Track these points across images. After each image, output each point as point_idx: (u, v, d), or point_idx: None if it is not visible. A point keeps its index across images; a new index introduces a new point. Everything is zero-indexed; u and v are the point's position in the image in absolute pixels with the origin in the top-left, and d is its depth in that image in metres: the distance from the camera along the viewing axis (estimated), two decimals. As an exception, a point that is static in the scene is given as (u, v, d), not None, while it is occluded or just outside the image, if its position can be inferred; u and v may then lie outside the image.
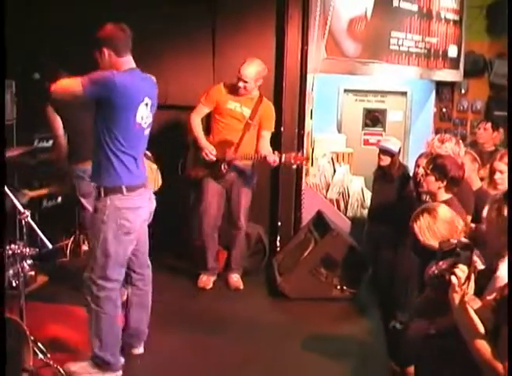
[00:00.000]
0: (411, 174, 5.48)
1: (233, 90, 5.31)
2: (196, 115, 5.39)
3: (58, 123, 5.12)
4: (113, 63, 3.60)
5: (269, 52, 6.06)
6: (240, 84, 5.23)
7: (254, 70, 5.22)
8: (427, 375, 3.45)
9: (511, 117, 5.67)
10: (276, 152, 5.26)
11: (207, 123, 5.60)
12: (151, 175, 5.00)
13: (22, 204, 3.80)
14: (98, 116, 3.63)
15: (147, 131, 3.78)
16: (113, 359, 3.85)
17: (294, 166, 5.50)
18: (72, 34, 5.82)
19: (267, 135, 5.44)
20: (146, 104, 3.68)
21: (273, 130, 5.51)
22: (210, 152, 5.28)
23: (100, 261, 3.70)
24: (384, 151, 5.68)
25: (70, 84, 3.58)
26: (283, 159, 5.16)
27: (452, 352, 3.01)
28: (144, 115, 3.67)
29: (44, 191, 5.82)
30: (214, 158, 5.30)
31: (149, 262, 4.10)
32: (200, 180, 5.46)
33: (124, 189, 3.64)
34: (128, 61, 3.67)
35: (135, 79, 3.63)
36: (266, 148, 5.35)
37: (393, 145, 5.70)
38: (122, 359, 3.93)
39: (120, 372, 3.90)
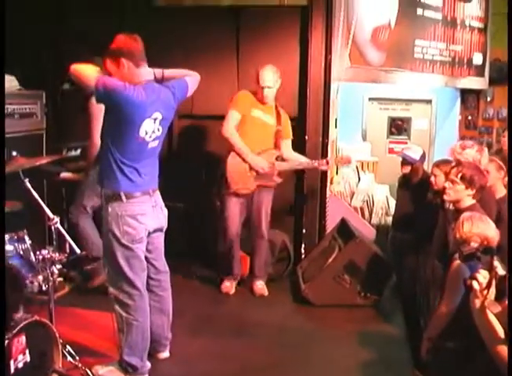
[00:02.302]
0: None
1: (256, 99, 5.35)
2: (230, 124, 5.27)
3: (97, 128, 5.07)
4: (132, 75, 3.58)
5: (293, 61, 6.11)
6: (266, 91, 5.28)
7: (271, 74, 5.27)
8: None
9: (511, 117, 5.66)
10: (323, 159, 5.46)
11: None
12: None
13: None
14: (105, 121, 3.70)
15: (154, 144, 3.74)
16: (140, 363, 3.90)
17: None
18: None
19: (289, 143, 5.54)
20: (155, 119, 3.66)
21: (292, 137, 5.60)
22: (264, 168, 5.30)
23: (120, 268, 3.75)
24: (405, 159, 5.72)
25: (86, 75, 3.52)
26: (331, 162, 5.42)
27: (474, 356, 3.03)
28: (149, 129, 3.64)
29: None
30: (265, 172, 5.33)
31: (166, 268, 4.11)
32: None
33: (123, 197, 3.67)
34: (145, 72, 3.67)
35: (147, 93, 3.59)
36: (296, 155, 5.50)
37: (413, 153, 5.73)
38: (149, 364, 3.98)
39: (147, 376, 3.96)
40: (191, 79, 3.94)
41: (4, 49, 3.95)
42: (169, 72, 3.79)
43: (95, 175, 4.94)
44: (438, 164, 5.16)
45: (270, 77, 5.27)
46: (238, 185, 5.33)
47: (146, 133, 3.65)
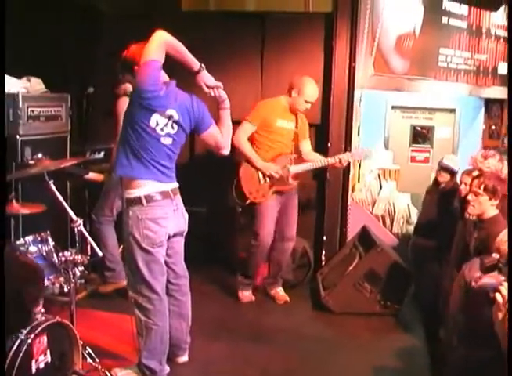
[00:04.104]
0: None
1: (281, 107, 5.33)
2: (242, 134, 5.24)
3: None
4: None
5: (317, 68, 6.11)
6: (308, 106, 5.30)
7: (315, 89, 5.31)
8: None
9: (511, 118, 5.62)
10: (340, 155, 5.41)
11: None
12: None
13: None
14: (127, 112, 3.72)
15: (167, 141, 3.72)
16: (159, 367, 3.91)
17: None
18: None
19: (308, 143, 5.56)
20: (168, 116, 3.67)
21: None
22: (276, 172, 5.28)
23: (140, 272, 3.76)
24: (445, 169, 5.74)
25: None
26: (351, 159, 5.46)
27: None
28: (160, 122, 3.64)
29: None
30: (279, 176, 5.31)
31: (186, 273, 4.11)
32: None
33: (144, 200, 3.67)
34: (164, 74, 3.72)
35: (167, 89, 3.66)
36: (316, 155, 5.51)
37: (454, 164, 5.79)
38: (167, 368, 3.99)
39: (166, 380, 3.97)
40: (221, 130, 3.93)
41: (4, 49, 3.98)
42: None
43: (118, 177, 5.00)
44: (468, 173, 5.15)
45: (316, 93, 5.32)
46: (253, 194, 5.32)
47: (157, 124, 3.64)
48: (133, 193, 3.70)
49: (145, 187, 3.69)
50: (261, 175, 5.31)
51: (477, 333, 3.37)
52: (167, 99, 3.66)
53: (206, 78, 3.72)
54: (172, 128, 3.72)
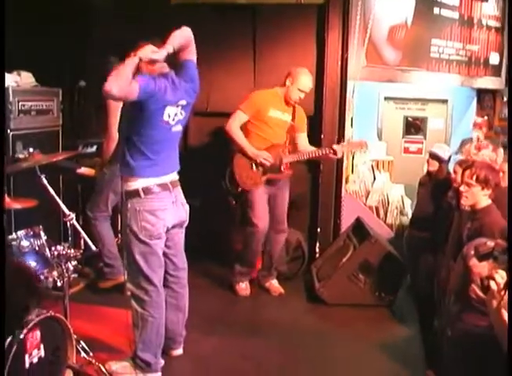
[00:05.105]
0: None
1: (275, 98, 5.34)
2: (235, 123, 5.30)
3: (115, 123, 4.83)
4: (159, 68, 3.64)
5: (310, 59, 6.10)
6: (301, 95, 5.31)
7: (309, 79, 5.35)
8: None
9: (511, 118, 5.63)
10: (334, 145, 5.41)
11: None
12: None
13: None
14: (128, 112, 3.72)
15: (177, 128, 3.78)
16: (154, 359, 3.91)
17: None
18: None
19: (305, 136, 5.57)
20: (179, 105, 3.71)
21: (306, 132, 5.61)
22: (266, 159, 5.29)
23: (137, 264, 3.76)
24: (433, 156, 5.74)
25: (127, 92, 3.40)
26: (345, 150, 5.45)
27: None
28: (172, 113, 3.68)
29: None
30: (269, 164, 5.31)
31: (185, 266, 4.12)
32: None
33: (142, 192, 3.68)
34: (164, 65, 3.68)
35: (171, 82, 3.65)
36: (312, 148, 5.50)
37: (443, 152, 5.76)
38: (162, 361, 3.99)
39: (160, 373, 3.95)
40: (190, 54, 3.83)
41: (4, 49, 3.97)
42: (172, 43, 3.60)
43: (111, 172, 4.98)
44: (460, 164, 5.14)
45: (310, 83, 5.35)
46: (245, 181, 5.35)
47: (169, 116, 3.68)
48: (132, 185, 3.71)
49: (144, 180, 3.71)
50: (253, 163, 5.32)
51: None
52: (174, 92, 3.66)
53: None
54: (181, 114, 3.77)
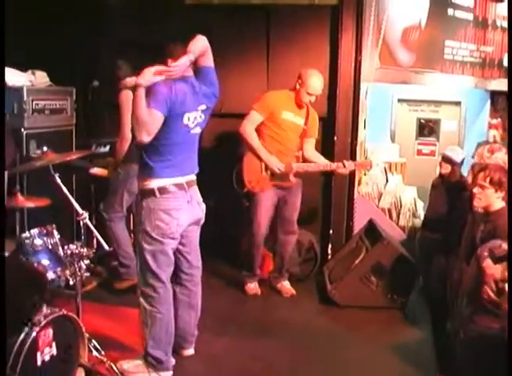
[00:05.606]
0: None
1: (293, 100, 5.31)
2: (250, 124, 5.24)
3: (128, 122, 4.79)
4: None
5: (323, 61, 6.08)
6: (312, 98, 5.25)
7: (320, 82, 5.25)
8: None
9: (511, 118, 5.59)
10: (345, 161, 5.32)
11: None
12: None
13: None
14: None
15: (196, 130, 3.83)
16: (165, 357, 3.92)
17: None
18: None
19: (312, 142, 5.51)
20: (199, 110, 3.79)
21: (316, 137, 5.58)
22: (278, 168, 5.24)
23: (147, 262, 3.78)
24: (446, 159, 5.72)
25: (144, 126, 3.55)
26: (352, 167, 5.31)
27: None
28: (192, 117, 3.75)
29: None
30: (280, 172, 5.27)
31: (199, 264, 4.13)
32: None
33: (157, 192, 3.71)
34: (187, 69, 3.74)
35: (190, 88, 3.72)
36: (317, 154, 5.45)
37: (456, 154, 5.75)
38: (173, 360, 3.99)
39: (171, 372, 3.96)
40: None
41: (4, 48, 3.97)
42: (193, 50, 3.70)
43: (125, 172, 4.99)
44: (473, 166, 5.13)
45: (320, 86, 5.26)
46: (252, 183, 5.32)
47: (189, 120, 3.73)
48: (148, 184, 3.74)
49: (160, 180, 3.74)
50: (263, 167, 5.29)
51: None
52: (194, 97, 3.73)
53: None
54: (200, 117, 3.82)
